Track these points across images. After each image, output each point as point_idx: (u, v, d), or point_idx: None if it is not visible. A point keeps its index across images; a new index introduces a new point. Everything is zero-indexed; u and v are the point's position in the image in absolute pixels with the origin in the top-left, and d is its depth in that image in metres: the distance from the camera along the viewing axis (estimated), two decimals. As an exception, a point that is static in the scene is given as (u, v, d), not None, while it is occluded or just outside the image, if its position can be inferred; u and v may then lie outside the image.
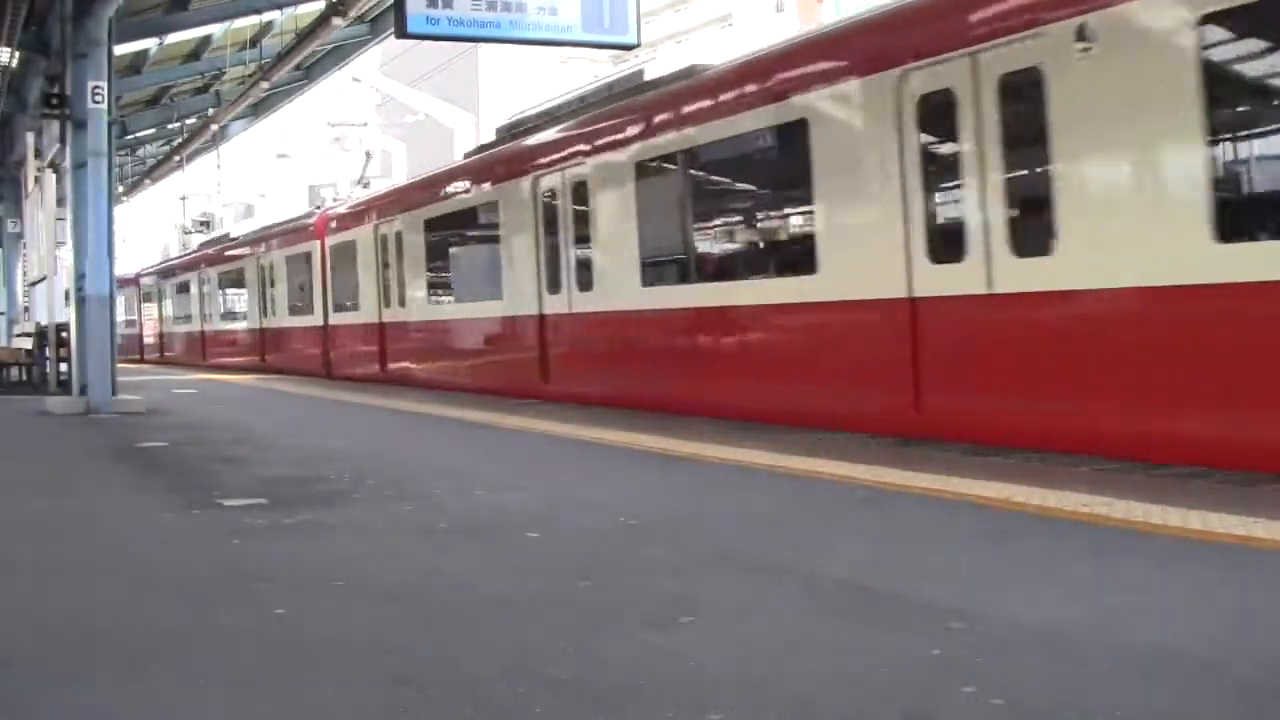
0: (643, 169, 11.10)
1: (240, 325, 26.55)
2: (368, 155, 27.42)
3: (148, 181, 35.91)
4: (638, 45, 13.05)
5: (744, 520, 5.46)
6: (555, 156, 12.67)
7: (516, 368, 13.57)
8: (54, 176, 16.51)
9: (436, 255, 16.44)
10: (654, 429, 9.20)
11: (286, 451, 8.88)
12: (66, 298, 14.70)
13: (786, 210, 9.77)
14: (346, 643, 3.55)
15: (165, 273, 34.90)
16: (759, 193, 10.33)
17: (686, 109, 10.46)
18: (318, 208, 24.38)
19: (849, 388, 8.54)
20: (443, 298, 16.29)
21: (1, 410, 14.05)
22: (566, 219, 12.36)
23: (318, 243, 20.91)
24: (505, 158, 14.19)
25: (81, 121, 13.00)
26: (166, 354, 33.79)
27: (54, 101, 13.46)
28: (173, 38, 20.88)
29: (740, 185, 10.54)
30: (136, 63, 21.98)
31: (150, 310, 36.43)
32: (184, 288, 31.80)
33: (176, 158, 30.33)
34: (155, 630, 3.78)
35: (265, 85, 21.01)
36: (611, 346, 11.79)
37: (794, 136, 8.95)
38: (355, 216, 19.46)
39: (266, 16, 20.08)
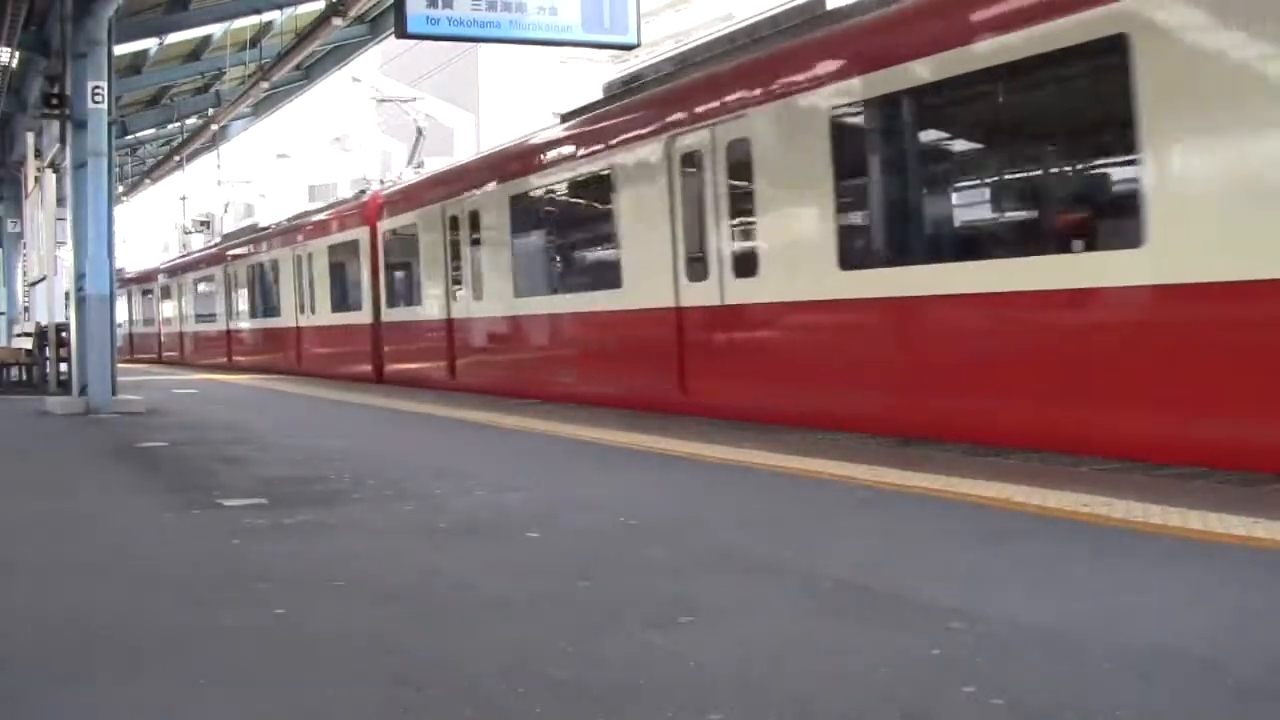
0: (848, 114, 8.49)
1: (271, 323, 23.81)
2: (419, 132, 22.81)
3: (148, 181, 35.93)
4: (638, 45, 13.07)
5: (744, 520, 5.46)
6: (701, 109, 10.14)
7: (642, 375, 11.08)
8: (54, 176, 16.54)
9: (526, 238, 13.62)
10: (654, 429, 9.20)
11: (286, 451, 8.88)
12: (67, 299, 14.70)
13: (1086, 161, 7.23)
14: (346, 643, 3.55)
15: (187, 267, 31.91)
16: (1037, 139, 7.52)
17: (922, 33, 7.92)
18: (362, 192, 21.30)
19: (1219, 410, 6.09)
20: (535, 289, 13.34)
21: (1, 410, 14.05)
22: (716, 187, 9.81)
23: (367, 229, 18.31)
24: (624, 116, 11.59)
25: (81, 121, 13.02)
26: (187, 355, 31.06)
27: (54, 101, 13.47)
28: (173, 38, 20.92)
29: (1004, 129, 7.73)
30: (136, 63, 22.01)
31: (169, 308, 33.38)
32: (207, 283, 29.04)
33: (176, 158, 30.33)
34: (155, 630, 3.78)
35: (265, 85, 21.01)
36: (791, 349, 9.21)
37: (1105, 56, 6.57)
38: (417, 197, 16.70)
39: (266, 16, 20.10)
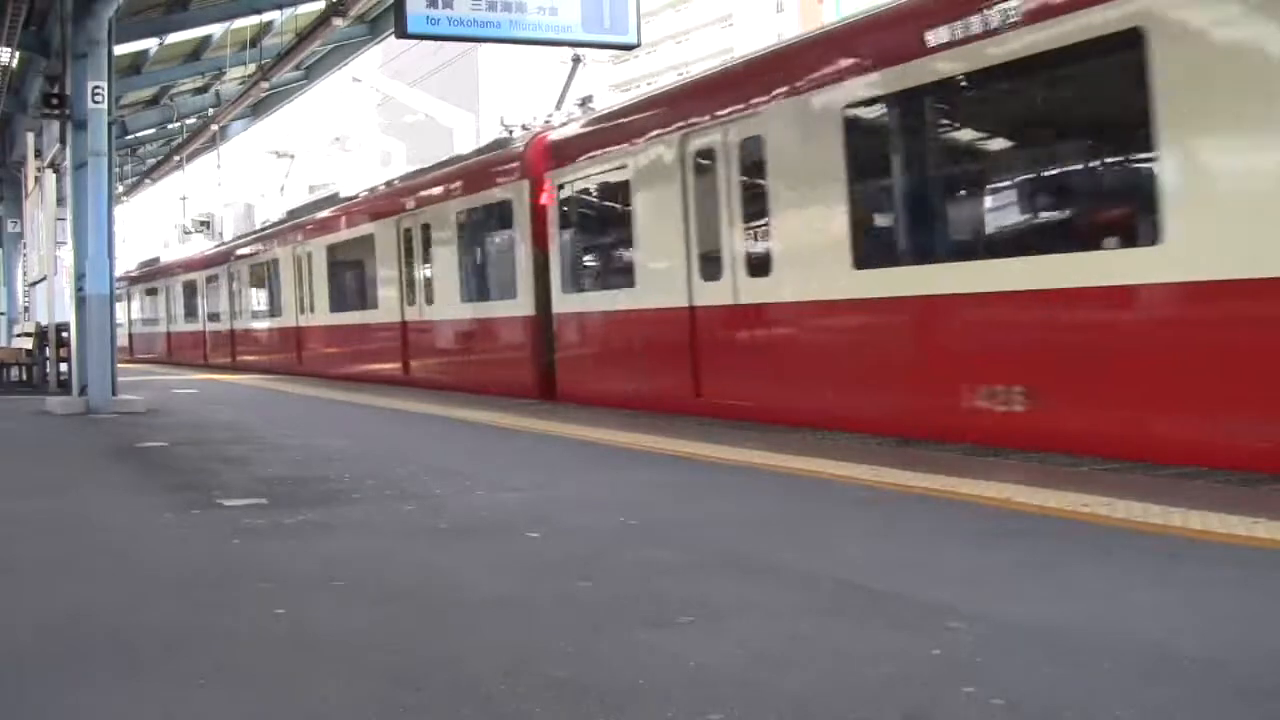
0: None
1: (364, 319, 18.62)
2: (576, 60, 16.89)
3: (148, 181, 35.95)
4: (638, 45, 13.08)
5: (744, 520, 5.46)
6: None
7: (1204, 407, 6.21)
8: (54, 176, 16.55)
9: (886, 175, 8.55)
10: (654, 429, 9.20)
11: (286, 451, 8.87)
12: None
13: None
14: (346, 643, 3.55)
15: (240, 253, 26.46)
16: None
17: None
18: (501, 141, 15.51)
19: None
20: (905, 254, 8.22)
21: (1, 410, 14.05)
22: None
23: (524, 185, 13.34)
24: None
25: (81, 121, 13.03)
26: (241, 358, 25.79)
27: (54, 101, 13.48)
28: (173, 38, 20.91)
29: None
30: (136, 63, 22.02)
31: (218, 302, 27.99)
32: (271, 271, 23.71)
33: (176, 158, 30.34)
34: (155, 630, 3.78)
35: (265, 85, 21.02)
36: None
37: None
38: (625, 131, 11.60)
39: (266, 16, 20.12)
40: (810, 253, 8.96)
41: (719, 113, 9.91)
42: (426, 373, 16.11)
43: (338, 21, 16.19)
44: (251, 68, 21.40)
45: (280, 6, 19.28)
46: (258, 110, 26.59)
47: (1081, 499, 5.34)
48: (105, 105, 12.95)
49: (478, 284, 14.98)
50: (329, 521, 5.64)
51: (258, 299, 25.14)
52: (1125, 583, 3.96)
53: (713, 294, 10.05)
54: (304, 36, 17.72)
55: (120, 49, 16.82)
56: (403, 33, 11.84)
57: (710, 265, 10.11)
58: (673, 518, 5.54)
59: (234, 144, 31.64)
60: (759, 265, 9.51)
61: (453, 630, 3.66)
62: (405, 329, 16.85)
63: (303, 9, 19.09)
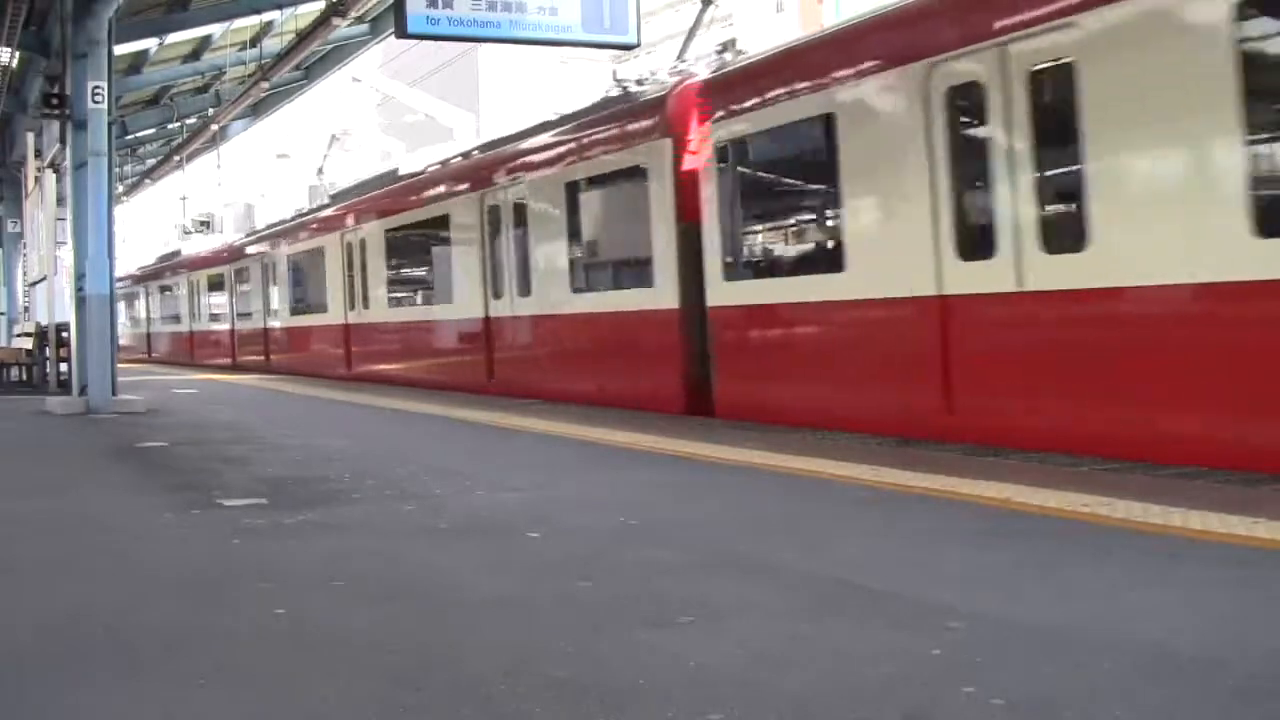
0: None
1: (432, 315, 16.08)
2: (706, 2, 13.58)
3: (148, 181, 35.95)
4: (638, 45, 13.05)
5: (744, 520, 5.46)
6: None
7: None
8: (54, 176, 16.56)
9: None
10: (655, 429, 9.19)
11: (286, 451, 8.87)
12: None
13: None
14: (346, 643, 3.55)
15: (276, 242, 23.53)
16: None
17: None
18: (617, 97, 12.53)
19: None
20: None
21: (1, 410, 14.05)
22: None
23: (666, 144, 10.59)
24: None
25: (81, 121, 13.03)
26: (276, 360, 23.27)
27: (54, 101, 13.49)
28: (173, 38, 20.92)
29: None
30: (136, 63, 22.02)
31: (247, 298, 25.30)
32: (310, 262, 21.10)
33: (176, 158, 30.33)
34: (154, 630, 3.78)
35: (265, 85, 21.01)
36: None
37: None
38: (827, 64, 8.84)
39: (266, 16, 20.12)
40: (1159, 218, 6.34)
41: (992, 33, 7.26)
42: (520, 380, 13.31)
43: (338, 21, 16.17)
44: (251, 68, 21.40)
45: (280, 6, 19.28)
46: (258, 110, 26.59)
47: (1081, 499, 5.34)
48: (105, 105, 12.95)
49: (596, 270, 12.17)
50: (329, 521, 5.64)
51: (297, 293, 22.27)
52: (1125, 583, 3.96)
53: (977, 278, 7.43)
54: (304, 37, 17.70)
55: (120, 49, 16.82)
56: (403, 33, 11.82)
57: (973, 238, 7.51)
58: (673, 518, 5.54)
59: (234, 144, 31.64)
60: (1063, 235, 6.90)
61: (453, 630, 3.66)
62: (489, 326, 14.10)
63: (303, 9, 19.08)
